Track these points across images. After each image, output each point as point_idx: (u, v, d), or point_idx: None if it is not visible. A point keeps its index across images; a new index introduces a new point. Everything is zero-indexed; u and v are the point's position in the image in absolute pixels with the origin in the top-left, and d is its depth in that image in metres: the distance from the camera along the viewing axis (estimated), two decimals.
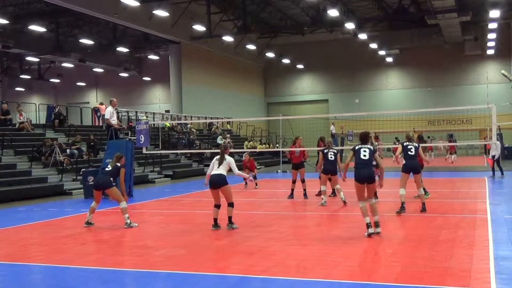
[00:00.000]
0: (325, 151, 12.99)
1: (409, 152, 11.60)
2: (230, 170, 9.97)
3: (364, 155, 8.87)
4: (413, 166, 11.61)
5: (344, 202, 12.77)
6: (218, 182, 9.65)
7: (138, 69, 47.36)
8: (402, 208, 11.36)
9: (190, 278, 6.62)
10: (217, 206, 9.84)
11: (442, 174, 22.73)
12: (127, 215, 10.79)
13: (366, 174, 8.79)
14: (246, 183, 18.68)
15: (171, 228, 10.66)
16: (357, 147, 9.07)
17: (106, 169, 11.52)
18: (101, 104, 27.29)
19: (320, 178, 13.27)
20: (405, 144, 11.76)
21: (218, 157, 9.93)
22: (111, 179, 11.24)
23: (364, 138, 9.20)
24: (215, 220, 9.87)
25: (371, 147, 9.03)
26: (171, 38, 36.15)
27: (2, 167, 18.36)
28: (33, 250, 8.59)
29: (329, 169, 12.89)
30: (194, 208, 13.99)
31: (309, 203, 13.74)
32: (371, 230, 8.61)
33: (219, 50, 39.86)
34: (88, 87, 50.68)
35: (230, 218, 9.82)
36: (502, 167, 20.75)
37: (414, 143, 11.73)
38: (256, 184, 18.87)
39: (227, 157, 9.96)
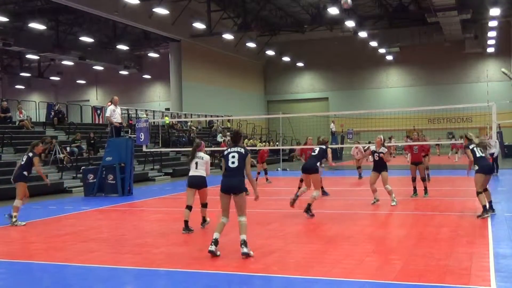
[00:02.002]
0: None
1: (312, 153, 11.69)
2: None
3: (233, 162, 7.40)
4: (306, 167, 11.36)
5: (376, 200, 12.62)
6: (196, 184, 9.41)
7: (138, 67, 47.32)
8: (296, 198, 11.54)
9: (189, 276, 6.63)
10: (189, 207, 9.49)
11: (442, 172, 22.72)
12: (15, 214, 10.82)
13: (231, 184, 7.37)
14: (267, 179, 19.62)
15: (171, 226, 10.65)
16: (225, 152, 7.62)
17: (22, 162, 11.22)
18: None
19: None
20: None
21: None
22: (24, 172, 11.02)
23: (234, 139, 7.81)
24: (186, 222, 9.50)
25: (242, 150, 7.51)
26: (171, 36, 36.14)
27: (2, 164, 18.34)
28: (33, 248, 8.59)
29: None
30: (194, 206, 13.96)
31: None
32: (212, 248, 7.27)
33: (219, 48, 39.83)
34: (88, 85, 50.67)
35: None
36: (498, 166, 20.77)
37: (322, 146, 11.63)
38: (267, 179, 19.85)
39: (203, 155, 9.47)
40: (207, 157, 9.55)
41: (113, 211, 13.21)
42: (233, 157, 7.44)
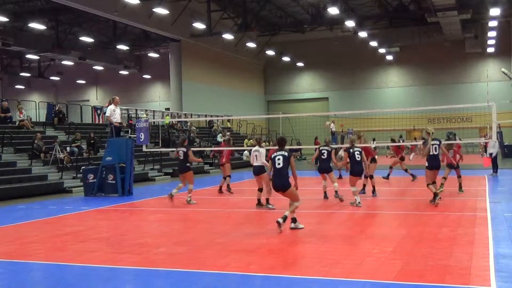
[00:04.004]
0: (351, 150, 12.44)
1: (322, 156, 13.38)
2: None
3: (278, 163, 9.11)
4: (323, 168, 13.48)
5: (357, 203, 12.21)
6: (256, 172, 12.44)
7: (138, 67, 47.35)
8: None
9: (190, 276, 6.62)
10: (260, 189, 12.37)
11: (441, 172, 22.69)
12: (190, 195, 13.80)
13: (278, 184, 9.17)
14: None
15: (171, 226, 10.67)
16: (273, 156, 9.33)
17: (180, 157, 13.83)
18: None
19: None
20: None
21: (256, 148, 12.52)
22: (187, 164, 13.93)
23: (280, 143, 9.49)
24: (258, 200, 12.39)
25: (286, 154, 9.23)
26: (171, 36, 36.14)
27: (2, 164, 18.35)
28: (33, 248, 8.59)
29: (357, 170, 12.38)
30: (194, 206, 13.98)
31: (309, 201, 13.72)
32: (293, 225, 9.29)
33: (219, 48, 39.83)
34: (88, 85, 50.69)
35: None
36: (498, 166, 20.75)
37: (327, 147, 13.38)
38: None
39: (259, 148, 12.48)
40: (262, 150, 12.50)
41: (113, 211, 13.21)
42: (279, 159, 9.19)
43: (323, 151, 13.38)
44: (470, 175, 20.82)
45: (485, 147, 23.23)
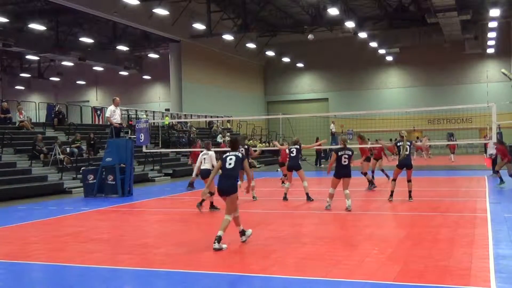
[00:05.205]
0: (339, 153, 11.74)
1: (291, 154, 13.87)
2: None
3: (230, 164, 8.17)
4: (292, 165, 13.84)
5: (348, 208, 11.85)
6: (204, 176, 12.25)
7: (138, 67, 47.35)
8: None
9: (189, 276, 6.63)
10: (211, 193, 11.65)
11: (441, 173, 22.73)
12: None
13: (224, 187, 8.09)
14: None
15: (170, 227, 10.67)
16: (224, 156, 8.39)
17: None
18: None
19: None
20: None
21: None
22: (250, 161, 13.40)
23: (234, 145, 8.65)
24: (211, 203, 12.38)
25: (239, 155, 8.33)
26: (171, 37, 36.16)
27: (2, 165, 18.35)
28: (33, 249, 8.59)
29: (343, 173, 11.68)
30: (194, 206, 13.97)
31: (308, 202, 13.72)
32: (217, 246, 7.79)
33: (219, 48, 39.85)
34: (88, 85, 50.71)
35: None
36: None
37: (296, 146, 13.88)
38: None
39: (208, 152, 12.50)
40: (211, 153, 12.58)
41: (113, 212, 13.21)
42: (231, 159, 8.30)
43: (292, 150, 13.93)
44: (469, 175, 20.83)
45: (485, 148, 23.19)
